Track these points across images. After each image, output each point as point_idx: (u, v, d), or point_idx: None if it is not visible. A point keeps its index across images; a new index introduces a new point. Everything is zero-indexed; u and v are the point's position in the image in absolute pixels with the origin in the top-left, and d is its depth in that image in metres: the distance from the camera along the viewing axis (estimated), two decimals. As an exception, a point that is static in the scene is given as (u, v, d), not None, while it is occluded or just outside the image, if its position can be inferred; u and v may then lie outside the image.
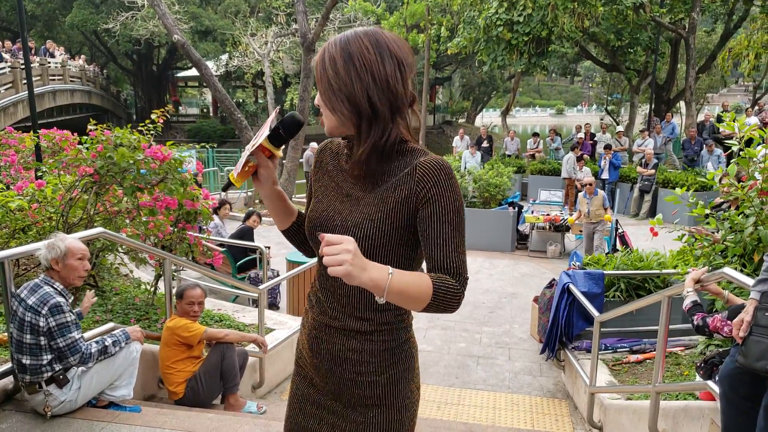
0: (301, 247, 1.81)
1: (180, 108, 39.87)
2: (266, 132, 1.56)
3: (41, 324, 3.06)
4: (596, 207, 9.40)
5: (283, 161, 15.50)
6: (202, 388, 4.03)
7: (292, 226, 1.78)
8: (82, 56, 30.76)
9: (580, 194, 9.92)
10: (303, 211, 1.78)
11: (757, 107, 17.77)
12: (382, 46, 1.48)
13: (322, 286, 1.66)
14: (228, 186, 1.66)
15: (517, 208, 11.51)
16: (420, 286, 1.38)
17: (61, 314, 3.10)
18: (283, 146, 1.61)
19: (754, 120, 13.11)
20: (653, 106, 19.79)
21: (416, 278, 1.39)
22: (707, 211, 4.56)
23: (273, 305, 7.43)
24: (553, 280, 6.43)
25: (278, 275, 7.38)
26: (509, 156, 17.26)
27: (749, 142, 4.58)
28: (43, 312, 3.06)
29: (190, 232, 5.25)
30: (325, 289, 1.65)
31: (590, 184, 9.56)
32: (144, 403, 3.95)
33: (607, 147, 14.56)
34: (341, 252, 1.26)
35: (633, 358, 5.36)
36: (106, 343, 3.35)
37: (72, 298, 3.29)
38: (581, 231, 10.44)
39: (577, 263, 6.87)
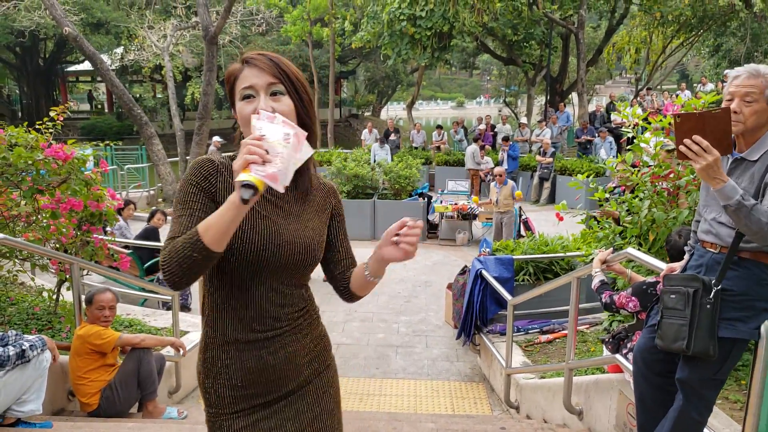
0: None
1: (72, 104, 37.49)
2: (303, 156, 1.43)
3: None
4: (505, 196, 9.67)
5: (187, 157, 15.00)
6: (119, 397, 3.86)
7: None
8: (-46, 48, 28.23)
9: (492, 184, 10.20)
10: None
11: (639, 98, 19.09)
12: None
13: None
14: (254, 194, 1.34)
15: (426, 199, 11.76)
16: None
17: None
18: None
19: (639, 111, 14.04)
20: (548, 98, 20.79)
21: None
22: (606, 196, 4.87)
23: (184, 307, 7.18)
24: (466, 266, 6.62)
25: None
26: (416, 148, 17.54)
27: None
28: None
29: (95, 235, 4.99)
30: None
31: (500, 174, 9.81)
32: (54, 417, 3.73)
33: (505, 138, 15.15)
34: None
35: (544, 338, 5.63)
36: (24, 347, 3.15)
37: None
38: (488, 219, 10.81)
39: (487, 249, 7.11)
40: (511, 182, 9.94)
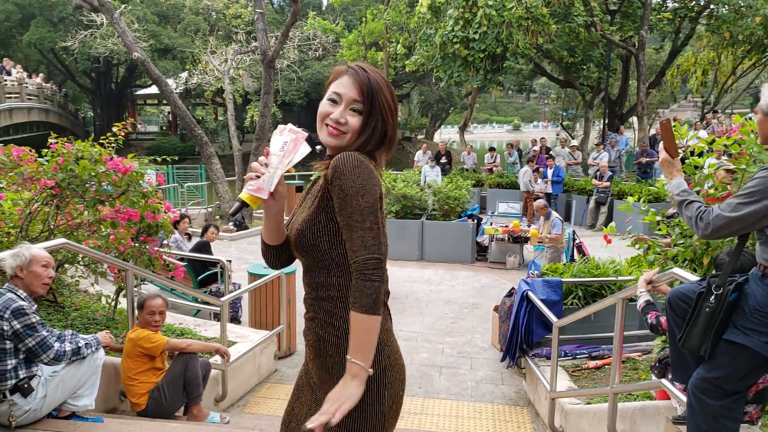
0: (276, 262, 1.91)
1: (140, 126, 39.25)
2: (297, 156, 1.64)
3: (5, 328, 3.06)
4: (548, 231, 9.52)
5: (244, 177, 15.41)
6: (165, 399, 4.00)
7: (284, 242, 1.86)
8: (40, 74, 30.11)
9: (540, 217, 9.99)
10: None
11: (705, 121, 18.51)
12: None
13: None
14: (240, 208, 1.65)
15: (476, 221, 11.69)
16: (369, 332, 1.57)
17: (24, 316, 3.10)
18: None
19: (704, 134, 13.60)
20: (607, 121, 20.40)
21: (361, 334, 1.56)
22: (658, 218, 4.74)
23: (234, 319, 7.37)
24: (513, 288, 6.55)
25: (240, 288, 7.33)
26: (467, 170, 17.51)
27: (701, 156, 4.79)
28: (6, 316, 3.06)
29: (152, 246, 5.20)
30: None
31: (540, 208, 9.59)
32: (105, 414, 3.89)
33: (549, 158, 15.04)
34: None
35: (592, 364, 5.48)
36: (80, 344, 3.35)
37: (35, 306, 3.25)
38: (539, 242, 10.63)
39: (536, 272, 7.02)
40: (554, 215, 9.60)
